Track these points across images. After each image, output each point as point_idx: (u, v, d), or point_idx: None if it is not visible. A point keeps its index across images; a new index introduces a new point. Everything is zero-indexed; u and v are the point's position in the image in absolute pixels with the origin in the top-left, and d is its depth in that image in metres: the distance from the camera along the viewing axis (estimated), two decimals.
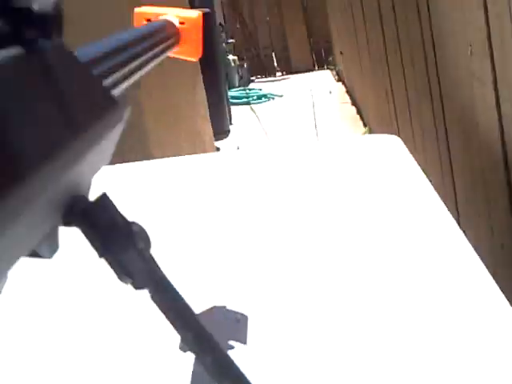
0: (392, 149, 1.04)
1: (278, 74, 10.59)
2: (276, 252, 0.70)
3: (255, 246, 0.72)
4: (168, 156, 1.20)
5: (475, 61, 1.31)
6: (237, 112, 6.41)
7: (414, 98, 2.20)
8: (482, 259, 0.63)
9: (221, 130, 4.78)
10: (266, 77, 10.47)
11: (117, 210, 0.34)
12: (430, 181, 0.87)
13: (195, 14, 0.64)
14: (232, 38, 8.97)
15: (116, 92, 0.39)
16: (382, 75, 3.08)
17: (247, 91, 7.98)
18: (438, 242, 0.67)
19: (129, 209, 0.36)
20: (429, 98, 1.90)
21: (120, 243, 0.33)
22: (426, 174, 0.91)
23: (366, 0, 3.21)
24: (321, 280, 0.63)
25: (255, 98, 7.63)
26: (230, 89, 7.27)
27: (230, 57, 8.03)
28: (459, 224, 0.72)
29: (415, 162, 0.94)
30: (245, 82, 8.94)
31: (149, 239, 0.35)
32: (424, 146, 2.14)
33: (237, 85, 8.29)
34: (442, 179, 1.86)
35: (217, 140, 3.71)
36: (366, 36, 3.58)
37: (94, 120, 0.31)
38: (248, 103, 7.35)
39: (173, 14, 0.62)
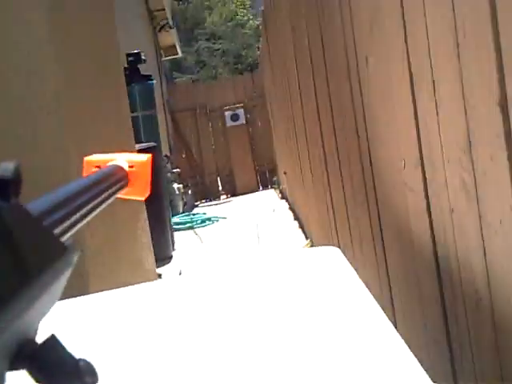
0: (332, 260, 1.06)
1: (223, 197, 10.75)
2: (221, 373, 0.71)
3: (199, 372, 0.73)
4: (108, 286, 1.18)
5: (408, 173, 1.40)
6: (181, 237, 6.44)
7: (353, 209, 2.29)
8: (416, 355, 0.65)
9: (163, 256, 4.79)
10: (210, 201, 10.62)
11: (64, 349, 0.35)
12: (368, 287, 0.90)
13: (144, 157, 0.66)
14: (177, 168, 9.15)
15: (66, 237, 0.41)
16: (323, 191, 3.19)
17: (191, 216, 8.06)
18: (374, 344, 0.70)
19: (73, 345, 0.36)
20: (366, 207, 1.99)
21: (67, 380, 0.34)
22: (364, 280, 0.94)
23: (309, 124, 3.37)
24: None
25: (199, 221, 7.70)
26: (173, 215, 7.35)
27: (175, 185, 8.17)
28: (396, 325, 0.75)
29: (354, 272, 0.97)
30: (189, 208, 9.06)
31: (96, 373, 0.36)
32: (362, 253, 2.21)
33: (181, 211, 8.38)
34: (379, 282, 1.92)
35: (159, 266, 3.71)
36: (307, 155, 3.72)
37: (45, 268, 0.33)
38: (192, 228, 7.40)
39: (122, 159, 0.65)
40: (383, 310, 0.81)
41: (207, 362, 0.74)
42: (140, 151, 3.17)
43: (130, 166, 0.65)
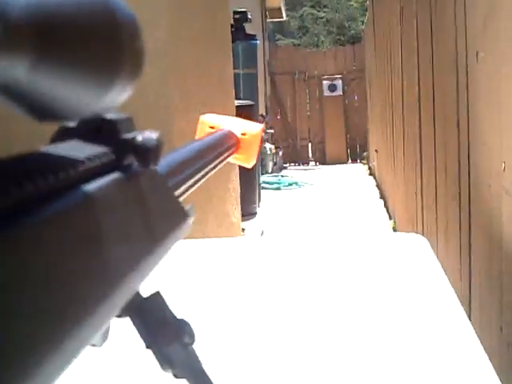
0: (418, 249, 1.07)
1: (312, 163, 10.75)
2: (293, 340, 0.73)
3: (277, 338, 0.74)
4: (195, 235, 1.23)
5: (507, 177, 1.39)
6: (267, 196, 6.50)
7: (443, 201, 2.27)
8: (490, 358, 0.67)
9: (249, 212, 4.86)
10: (299, 165, 10.64)
11: (168, 307, 0.38)
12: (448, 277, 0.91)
13: (257, 128, 0.68)
14: (271, 129, 9.20)
15: (183, 197, 0.43)
16: (413, 176, 3.16)
17: (279, 178, 8.12)
18: (450, 338, 0.71)
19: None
20: (457, 202, 1.97)
21: (168, 338, 0.37)
22: (446, 273, 0.95)
23: (408, 108, 3.33)
24: (331, 371, 0.65)
25: (286, 184, 7.76)
26: (262, 174, 7.43)
27: (267, 145, 8.24)
28: (470, 320, 0.76)
29: (439, 265, 0.98)
30: (278, 169, 9.13)
31: (193, 335, 0.38)
32: (447, 244, 2.19)
33: (270, 171, 8.46)
34: (459, 276, 1.91)
35: (244, 221, 3.78)
36: (402, 137, 3.68)
37: (168, 233, 0.34)
38: (279, 189, 7.47)
39: (236, 125, 0.67)
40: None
41: (271, 331, 0.75)
42: (238, 107, 3.20)
43: (242, 134, 0.67)
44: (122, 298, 0.27)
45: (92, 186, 0.26)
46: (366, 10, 9.43)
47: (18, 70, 0.20)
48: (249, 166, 0.69)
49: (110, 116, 0.31)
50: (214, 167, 0.53)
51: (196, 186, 0.47)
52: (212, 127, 0.67)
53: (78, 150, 0.28)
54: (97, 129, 0.30)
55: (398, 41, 3.73)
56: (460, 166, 1.95)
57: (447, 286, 0.88)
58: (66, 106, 0.25)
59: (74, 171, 0.25)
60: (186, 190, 0.44)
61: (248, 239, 2.48)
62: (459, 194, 1.97)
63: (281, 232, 4.84)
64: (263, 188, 6.63)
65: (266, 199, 6.28)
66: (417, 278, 0.92)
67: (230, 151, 0.62)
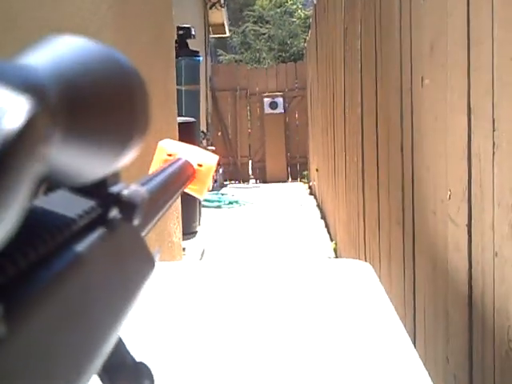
0: (363, 276, 1.06)
1: (252, 181, 10.78)
2: (235, 368, 0.71)
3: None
4: None
5: (452, 205, 1.38)
6: (207, 214, 6.46)
7: (386, 225, 2.26)
8: None
9: (189, 231, 4.82)
10: (239, 183, 10.66)
11: (127, 351, 0.37)
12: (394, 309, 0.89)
13: (213, 160, 0.69)
14: (212, 146, 9.20)
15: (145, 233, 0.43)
16: (355, 198, 3.16)
17: (220, 196, 8.11)
18: (396, 368, 0.69)
19: None
20: (401, 228, 1.96)
21: (126, 381, 0.36)
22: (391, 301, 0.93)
23: (350, 128, 3.34)
24: None
25: (227, 202, 7.75)
26: None
27: None
28: (416, 349, 0.75)
29: (384, 291, 0.97)
30: (218, 186, 9.11)
31: (153, 378, 0.38)
32: (390, 269, 2.19)
33: (210, 188, 8.43)
34: (403, 303, 1.90)
35: (184, 239, 3.73)
36: (344, 158, 3.69)
37: (142, 282, 0.34)
38: (219, 207, 7.45)
39: (193, 155, 0.67)
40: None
41: (209, 358, 0.74)
42: (180, 124, 3.19)
43: (198, 165, 0.67)
44: (106, 351, 0.27)
45: (82, 246, 0.27)
46: (309, 27, 9.53)
47: (50, 143, 0.20)
48: (201, 197, 0.69)
49: None
50: (175, 200, 0.54)
51: (158, 221, 0.47)
52: (170, 154, 0.67)
53: (67, 203, 0.28)
54: None
55: (341, 60, 3.75)
56: (404, 190, 1.94)
57: (392, 313, 0.88)
58: (82, 172, 0.26)
59: (66, 231, 0.26)
60: (151, 227, 0.44)
61: (189, 263, 2.44)
62: (403, 219, 1.95)
63: (221, 252, 4.79)
64: (203, 206, 6.58)
65: (207, 217, 6.22)
66: (361, 305, 0.91)
67: (188, 182, 0.63)
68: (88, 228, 0.28)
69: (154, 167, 0.66)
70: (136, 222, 0.34)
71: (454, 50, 1.36)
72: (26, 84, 0.19)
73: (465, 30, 1.27)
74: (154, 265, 0.38)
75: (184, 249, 3.95)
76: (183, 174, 0.61)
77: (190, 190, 0.66)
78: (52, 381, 0.21)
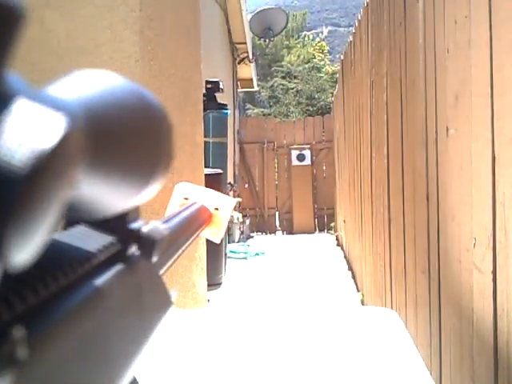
0: (389, 324, 1.06)
1: (279, 233, 10.75)
2: None
3: None
4: None
5: (477, 253, 1.38)
6: (233, 264, 6.45)
7: (412, 275, 2.26)
8: None
9: (214, 282, 4.81)
10: (266, 234, 10.64)
11: None
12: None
13: (230, 204, 0.68)
14: (239, 197, 9.24)
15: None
16: (382, 248, 3.16)
17: (246, 247, 8.11)
18: None
19: None
20: (426, 277, 1.96)
21: None
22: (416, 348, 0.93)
23: (376, 180, 3.35)
24: None
25: (253, 254, 7.73)
26: (229, 242, 7.39)
27: (235, 214, 8.24)
28: None
29: (411, 341, 0.97)
30: (245, 238, 9.11)
31: None
32: (416, 318, 2.17)
33: (236, 240, 8.44)
34: (429, 352, 1.88)
35: (208, 291, 3.72)
36: (371, 209, 3.69)
37: (159, 321, 0.35)
38: (245, 258, 7.44)
39: (210, 198, 0.67)
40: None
41: None
42: (207, 176, 3.22)
43: (215, 208, 0.67)
44: None
45: (101, 280, 0.27)
46: (336, 81, 9.65)
47: (80, 168, 0.20)
48: (217, 241, 0.68)
49: None
50: (191, 243, 0.53)
51: (175, 262, 0.47)
52: (186, 198, 0.67)
53: (87, 238, 0.28)
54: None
55: (368, 113, 3.79)
56: (429, 239, 1.94)
57: (419, 361, 0.87)
58: (105, 205, 0.26)
59: (86, 264, 0.26)
60: (168, 268, 0.44)
61: (214, 310, 2.44)
62: (428, 268, 1.95)
63: (247, 303, 4.77)
64: (229, 257, 6.58)
65: (233, 269, 6.21)
66: (388, 352, 0.91)
67: (204, 226, 0.63)
68: (107, 263, 0.28)
69: (170, 210, 0.66)
70: (155, 258, 0.34)
71: (478, 100, 1.39)
72: (59, 107, 0.19)
73: (488, 81, 1.30)
74: (171, 303, 0.38)
75: (209, 300, 3.94)
76: (199, 217, 0.61)
77: (205, 233, 0.66)
78: None
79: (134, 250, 0.32)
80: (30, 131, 0.18)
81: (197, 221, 0.60)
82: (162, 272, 0.41)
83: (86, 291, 0.25)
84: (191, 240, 0.54)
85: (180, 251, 0.48)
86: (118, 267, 0.29)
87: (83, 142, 0.21)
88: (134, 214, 0.32)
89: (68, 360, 0.22)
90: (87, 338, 0.24)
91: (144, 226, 0.32)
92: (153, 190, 0.29)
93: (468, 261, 1.49)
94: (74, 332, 0.23)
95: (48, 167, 0.18)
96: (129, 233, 0.31)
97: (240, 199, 9.36)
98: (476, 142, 1.41)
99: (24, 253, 0.18)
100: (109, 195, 0.25)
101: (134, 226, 0.32)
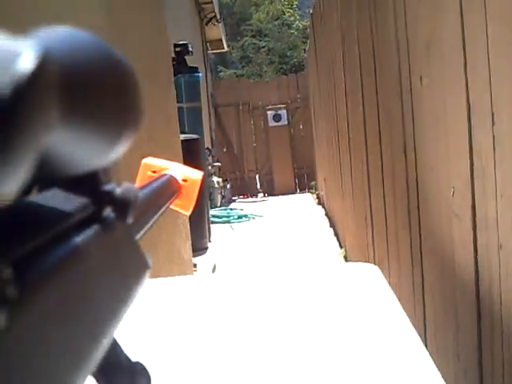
0: (370, 278, 1.07)
1: (260, 195, 10.78)
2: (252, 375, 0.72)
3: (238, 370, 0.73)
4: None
5: (456, 201, 1.38)
6: (217, 230, 6.46)
7: (393, 228, 2.26)
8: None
9: (200, 247, 4.82)
10: (248, 197, 10.66)
11: (122, 351, 0.37)
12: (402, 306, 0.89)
13: (198, 175, 0.68)
14: (218, 162, 9.20)
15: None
16: (362, 205, 3.16)
17: (228, 211, 8.12)
18: (407, 367, 0.70)
19: None
20: (408, 229, 1.96)
21: (123, 382, 0.36)
22: (398, 298, 0.93)
23: (354, 134, 3.34)
24: None
25: (236, 217, 7.75)
26: (211, 208, 7.39)
27: (215, 179, 8.23)
28: (426, 348, 0.75)
29: (393, 294, 0.97)
30: (226, 202, 9.12)
31: (149, 377, 0.38)
32: (399, 271, 2.18)
33: (219, 204, 8.44)
34: (413, 303, 1.89)
35: (195, 256, 3.73)
36: (350, 165, 3.69)
37: (137, 284, 0.35)
38: (228, 222, 7.45)
39: (177, 171, 0.67)
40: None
41: (218, 366, 0.74)
42: (183, 142, 3.19)
43: (183, 180, 0.66)
44: (103, 349, 0.27)
45: (78, 239, 0.27)
46: (308, 37, 9.56)
47: (49, 122, 0.20)
48: (187, 213, 0.69)
49: None
50: (162, 213, 0.53)
51: (149, 229, 0.47)
52: (154, 171, 0.67)
53: (62, 200, 0.28)
54: (77, 179, 0.30)
55: (341, 68, 3.76)
56: (409, 191, 1.94)
57: (402, 314, 0.88)
58: (78, 160, 0.26)
59: (63, 224, 0.26)
60: (141, 236, 0.44)
61: (200, 277, 2.45)
62: (409, 220, 1.95)
63: (233, 266, 4.79)
64: (213, 222, 6.58)
65: (216, 233, 6.22)
66: (371, 306, 0.91)
67: (173, 197, 0.62)
68: (83, 224, 0.29)
69: (138, 184, 0.66)
70: (130, 220, 0.34)
71: (450, 47, 1.36)
72: (31, 43, 0.19)
73: (459, 27, 1.28)
74: (148, 267, 0.38)
75: (195, 265, 3.95)
76: (169, 188, 0.61)
77: (176, 205, 0.66)
78: (50, 375, 0.22)
79: (108, 211, 0.32)
80: (4, 58, 0.18)
81: (167, 190, 0.60)
82: (137, 237, 0.41)
83: (65, 249, 0.25)
84: (164, 209, 0.54)
85: (154, 218, 0.48)
86: (95, 228, 0.29)
87: (56, 81, 0.21)
88: (106, 176, 0.32)
89: (50, 321, 0.22)
90: (69, 297, 0.24)
91: (117, 187, 0.32)
92: (124, 144, 0.29)
93: (447, 209, 1.48)
94: (55, 290, 0.23)
95: (29, 93, 0.18)
96: (103, 194, 0.31)
97: (219, 164, 9.33)
98: (450, 89, 1.39)
99: (5, 186, 0.18)
100: (81, 149, 0.26)
101: (108, 187, 0.32)
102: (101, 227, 0.30)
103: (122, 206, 0.32)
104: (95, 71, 0.26)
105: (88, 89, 0.24)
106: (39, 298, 0.22)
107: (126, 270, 0.34)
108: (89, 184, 0.30)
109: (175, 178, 0.65)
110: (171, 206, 0.64)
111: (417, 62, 1.70)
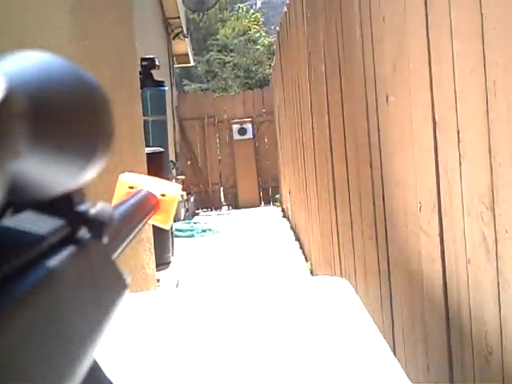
0: (341, 292, 1.07)
1: (225, 208, 10.76)
2: None
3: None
4: None
5: (423, 216, 1.41)
6: (180, 243, 6.43)
7: (360, 242, 2.29)
8: None
9: (163, 262, 4.79)
10: (211, 210, 10.63)
11: (105, 376, 0.38)
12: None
13: (176, 189, 0.68)
14: (182, 175, 9.17)
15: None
16: (328, 218, 3.19)
17: (192, 225, 8.08)
18: (379, 379, 0.71)
19: None
20: (374, 242, 1.99)
21: None
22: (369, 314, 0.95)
23: (319, 149, 3.37)
24: None
25: (199, 231, 7.72)
26: (175, 221, 7.35)
27: None
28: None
29: (364, 308, 0.98)
30: (190, 215, 9.08)
31: None
32: (366, 284, 2.21)
33: (182, 218, 8.40)
34: (381, 316, 1.92)
35: (158, 271, 3.71)
36: (315, 178, 3.72)
37: (114, 303, 0.35)
38: (192, 236, 7.42)
39: (155, 186, 0.67)
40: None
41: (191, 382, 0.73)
42: (148, 155, 3.17)
43: (161, 195, 0.67)
44: (82, 371, 0.27)
45: (52, 262, 0.27)
46: (273, 53, 9.63)
47: (16, 150, 0.21)
48: (167, 227, 0.69)
49: None
50: (140, 229, 0.53)
51: (125, 249, 0.47)
52: (131, 187, 0.67)
53: (35, 223, 0.28)
54: (51, 200, 0.30)
55: (307, 84, 3.80)
56: (375, 206, 1.97)
57: (371, 325, 0.89)
58: (49, 184, 0.26)
59: (37, 247, 0.26)
60: (119, 254, 0.44)
61: (164, 292, 2.43)
62: (376, 234, 1.98)
63: (197, 281, 4.77)
64: (176, 236, 6.55)
65: (180, 247, 6.20)
66: (340, 319, 0.92)
67: (152, 213, 0.62)
68: (58, 246, 0.29)
69: (115, 201, 0.66)
70: (105, 240, 0.34)
71: (416, 66, 1.40)
72: (1, 74, 0.20)
73: (425, 48, 1.31)
74: (126, 286, 0.38)
75: (158, 280, 3.93)
76: (146, 204, 0.61)
77: (154, 220, 0.66)
78: None
79: (83, 232, 0.32)
80: None
81: (145, 207, 0.60)
82: (114, 256, 0.41)
83: (38, 273, 0.25)
84: (141, 226, 0.54)
85: (132, 235, 0.48)
86: (70, 249, 0.29)
87: (24, 108, 0.21)
88: (79, 196, 0.32)
89: (29, 333, 0.22)
90: (43, 319, 0.24)
91: (91, 207, 0.32)
92: (95, 168, 0.29)
93: (415, 225, 1.51)
94: (28, 314, 0.23)
95: None
96: (77, 215, 0.31)
97: (183, 177, 9.30)
98: (416, 107, 1.43)
99: None
100: (51, 173, 0.26)
101: (82, 208, 0.32)
102: (76, 248, 0.30)
103: (97, 226, 0.32)
104: (65, 97, 0.26)
105: (57, 115, 0.24)
106: (13, 323, 0.22)
107: (104, 290, 0.34)
108: (62, 205, 0.30)
109: (153, 194, 0.65)
110: (150, 221, 0.64)
111: (383, 80, 1.74)
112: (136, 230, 0.51)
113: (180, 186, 0.71)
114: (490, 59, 0.99)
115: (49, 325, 0.25)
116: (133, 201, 0.57)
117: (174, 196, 0.68)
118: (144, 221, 0.56)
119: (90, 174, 0.29)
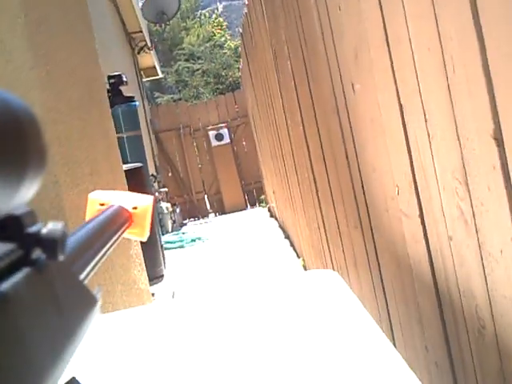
0: (331, 284, 1.07)
1: (212, 215, 10.75)
2: None
3: None
4: (104, 309, 1.18)
5: (402, 199, 1.41)
6: (171, 255, 6.42)
7: (346, 232, 2.29)
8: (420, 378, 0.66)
9: (155, 275, 4.79)
10: (199, 219, 10.62)
11: None
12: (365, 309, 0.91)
13: (147, 201, 0.68)
14: (164, 187, 9.16)
15: (89, 278, 0.43)
16: (313, 213, 3.20)
17: (181, 235, 8.07)
18: (377, 367, 0.71)
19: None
20: (359, 231, 1.99)
21: None
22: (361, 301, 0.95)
23: (296, 146, 3.38)
24: None
25: (189, 240, 7.71)
26: (163, 234, 7.34)
27: (163, 204, 8.18)
28: (395, 346, 0.76)
29: (355, 297, 0.98)
30: (178, 226, 9.06)
31: None
32: (358, 274, 2.21)
33: (170, 230, 8.38)
34: (376, 304, 1.92)
35: (152, 285, 3.70)
36: (296, 175, 3.73)
37: (82, 322, 0.34)
38: (182, 246, 7.41)
39: (126, 200, 0.66)
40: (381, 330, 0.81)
41: None
42: (127, 172, 3.17)
43: (133, 208, 0.66)
44: None
45: (6, 286, 0.27)
46: (240, 56, 9.64)
47: None
48: (143, 239, 0.68)
49: (12, 211, 0.31)
50: (112, 245, 0.53)
51: (98, 266, 0.47)
52: (102, 204, 0.66)
53: None
54: (0, 225, 0.30)
55: (276, 82, 3.81)
56: (355, 195, 1.97)
57: (366, 316, 0.88)
58: None
59: None
60: (90, 271, 0.44)
61: (159, 304, 2.42)
62: (360, 223, 1.99)
63: (192, 290, 4.76)
64: (166, 248, 6.53)
65: (171, 259, 6.18)
66: (335, 311, 0.92)
67: (124, 227, 0.62)
68: (10, 270, 0.28)
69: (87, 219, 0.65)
70: (61, 257, 0.33)
71: (378, 52, 1.41)
72: None
73: (382, 31, 1.32)
74: (95, 302, 0.38)
75: (153, 294, 3.92)
76: (117, 218, 0.61)
77: (130, 234, 0.66)
78: None
79: (38, 253, 0.31)
80: None
81: (116, 221, 0.60)
82: (83, 276, 0.41)
83: None
84: (113, 242, 0.54)
85: (101, 254, 0.48)
86: (24, 272, 0.29)
87: None
88: (30, 218, 0.32)
89: None
90: (1, 338, 0.24)
91: (43, 228, 0.32)
92: (31, 190, 0.29)
93: (395, 209, 1.52)
94: None
95: None
96: (27, 237, 0.31)
97: (166, 189, 9.28)
98: (382, 93, 1.43)
99: None
100: None
101: (33, 229, 0.32)
102: (31, 270, 0.30)
103: (50, 244, 0.32)
104: None
105: None
106: None
107: (69, 309, 0.34)
108: (12, 228, 0.30)
109: (124, 208, 0.65)
110: (125, 236, 0.64)
111: (347, 70, 1.74)
112: (107, 246, 0.51)
113: (152, 197, 0.70)
114: (444, 34, 1.00)
115: (7, 347, 0.25)
116: (102, 217, 0.57)
117: (145, 207, 0.67)
118: (116, 236, 0.56)
119: (26, 194, 0.29)
